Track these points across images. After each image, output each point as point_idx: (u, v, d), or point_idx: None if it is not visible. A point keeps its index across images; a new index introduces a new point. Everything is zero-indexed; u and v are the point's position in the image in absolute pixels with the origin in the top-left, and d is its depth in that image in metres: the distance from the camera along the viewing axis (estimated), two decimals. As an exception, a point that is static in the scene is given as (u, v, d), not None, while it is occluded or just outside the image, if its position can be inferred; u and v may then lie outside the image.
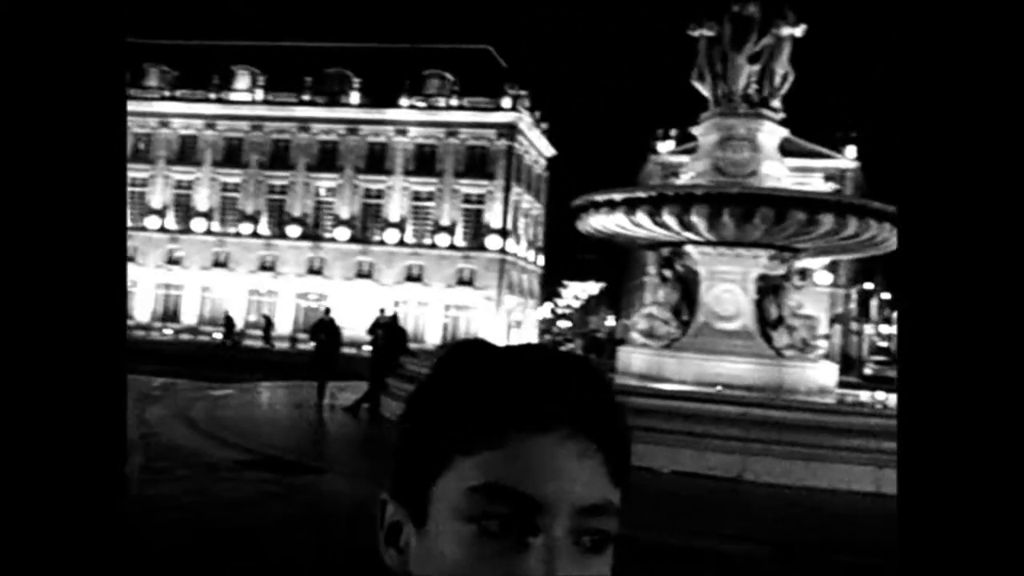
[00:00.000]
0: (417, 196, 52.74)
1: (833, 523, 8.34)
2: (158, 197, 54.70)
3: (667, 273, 15.12)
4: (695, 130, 15.47)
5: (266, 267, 53.58)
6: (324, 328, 16.40)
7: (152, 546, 6.03)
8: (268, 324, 45.08)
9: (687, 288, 14.84)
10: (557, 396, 0.63)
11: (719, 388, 12.43)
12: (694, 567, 6.51)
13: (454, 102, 52.32)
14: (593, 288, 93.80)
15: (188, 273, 53.71)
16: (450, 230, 52.15)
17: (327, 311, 17.23)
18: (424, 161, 52.65)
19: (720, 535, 7.49)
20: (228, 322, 41.15)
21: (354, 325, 40.95)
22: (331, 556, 5.95)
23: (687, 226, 13.32)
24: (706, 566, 6.54)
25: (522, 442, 0.61)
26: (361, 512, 7.83)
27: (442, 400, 0.66)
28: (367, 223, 52.99)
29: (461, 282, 51.57)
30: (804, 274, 14.54)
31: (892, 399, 15.98)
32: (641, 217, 13.56)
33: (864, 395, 16.25)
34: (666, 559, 6.58)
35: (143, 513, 6.97)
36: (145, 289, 53.82)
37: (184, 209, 54.63)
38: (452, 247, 52.01)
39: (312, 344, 17.33)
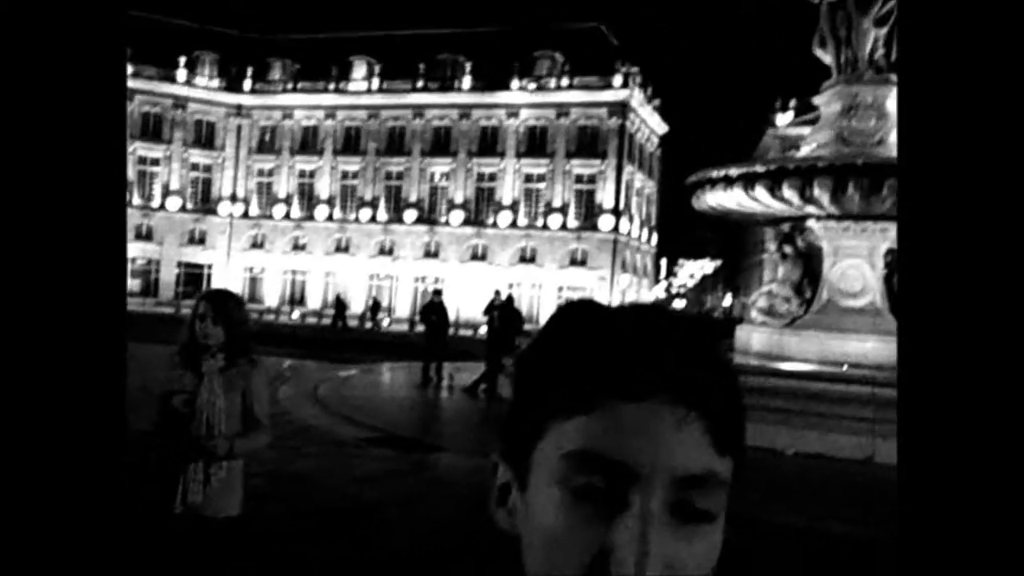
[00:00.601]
0: (529, 178, 52.92)
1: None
2: (283, 187, 57.10)
3: (787, 250, 14.62)
4: (817, 99, 14.85)
5: (384, 251, 55.11)
6: (434, 310, 16.77)
7: (291, 520, 6.38)
8: (375, 306, 46.27)
9: (809, 265, 14.32)
10: (655, 362, 0.60)
11: (845, 367, 11.98)
12: (813, 547, 6.33)
13: (564, 82, 52.10)
14: (708, 267, 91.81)
15: (312, 258, 55.91)
16: (562, 211, 52.10)
17: (437, 293, 17.57)
18: (535, 143, 52.74)
19: (844, 518, 7.26)
20: (339, 305, 42.77)
21: (470, 307, 41.66)
22: (450, 529, 6.13)
23: (809, 200, 12.84)
24: (827, 547, 6.35)
25: (617, 409, 0.59)
26: (478, 489, 8.02)
27: (542, 363, 0.64)
28: (480, 206, 53.61)
29: (574, 262, 51.51)
30: (937, 247, 13.75)
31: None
32: (760, 192, 13.16)
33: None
34: (786, 538, 6.43)
35: (280, 489, 7.36)
36: (273, 275, 56.45)
37: (308, 197, 56.82)
38: (564, 228, 51.98)
39: (423, 326, 17.73)
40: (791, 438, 9.73)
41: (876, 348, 12.71)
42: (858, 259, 13.46)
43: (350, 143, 56.33)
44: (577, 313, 0.66)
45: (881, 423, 9.82)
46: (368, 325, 43.55)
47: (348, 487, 7.56)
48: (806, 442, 9.80)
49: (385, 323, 48.14)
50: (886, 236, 13.37)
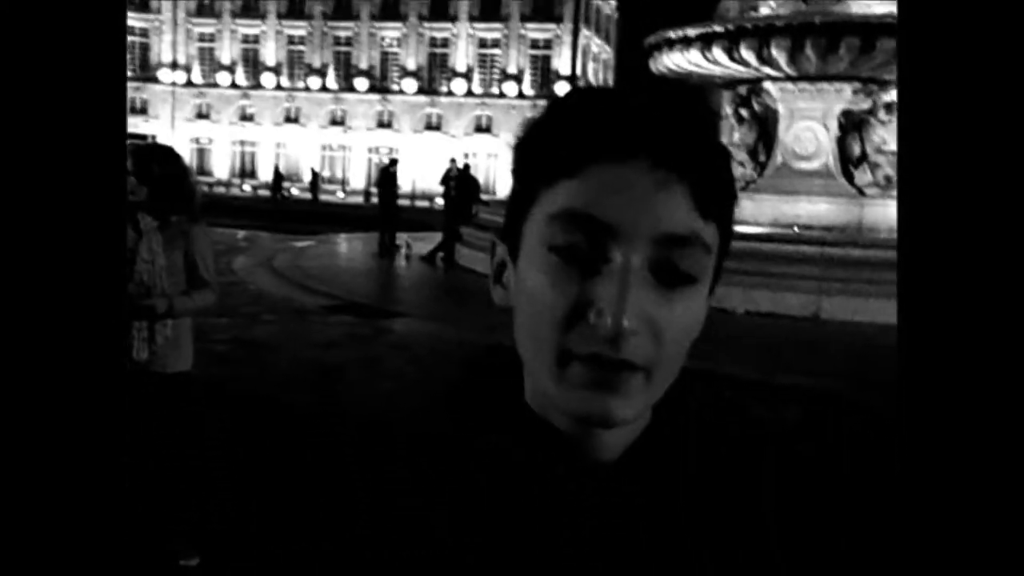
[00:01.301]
0: (483, 43, 51.29)
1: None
2: (226, 53, 54.61)
3: (744, 113, 14.58)
4: (777, -44, 14.44)
5: (336, 122, 53.66)
6: (387, 179, 16.67)
7: (252, 379, 6.47)
8: (315, 178, 44.75)
9: (764, 128, 14.34)
10: (638, 127, 0.61)
11: (795, 229, 12.22)
12: (773, 399, 6.65)
13: (518, -61, 49.78)
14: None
15: (261, 129, 54.26)
16: (518, 78, 50.88)
17: (392, 163, 17.37)
18: (489, 6, 50.78)
19: (797, 371, 7.59)
20: (277, 176, 42.11)
21: (426, 178, 41.16)
22: (411, 387, 6.30)
23: (766, 61, 12.71)
24: (786, 399, 6.67)
25: (600, 170, 0.60)
26: (437, 350, 8.15)
27: (535, 138, 0.66)
28: (433, 74, 52.08)
29: (531, 131, 50.79)
30: (890, 108, 13.82)
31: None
32: (717, 53, 12.99)
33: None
34: (744, 392, 6.73)
35: (238, 353, 7.43)
36: (221, 146, 54.81)
37: (253, 64, 54.54)
38: (521, 96, 50.90)
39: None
40: (743, 298, 10.01)
41: (827, 209, 12.96)
42: (813, 121, 13.50)
43: (295, 6, 53.63)
44: (576, 92, 0.66)
45: (827, 281, 10.15)
46: (308, 196, 42.47)
47: (309, 351, 7.67)
48: (757, 301, 10.10)
49: (339, 195, 47.46)
50: (841, 97, 13.37)
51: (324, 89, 53.51)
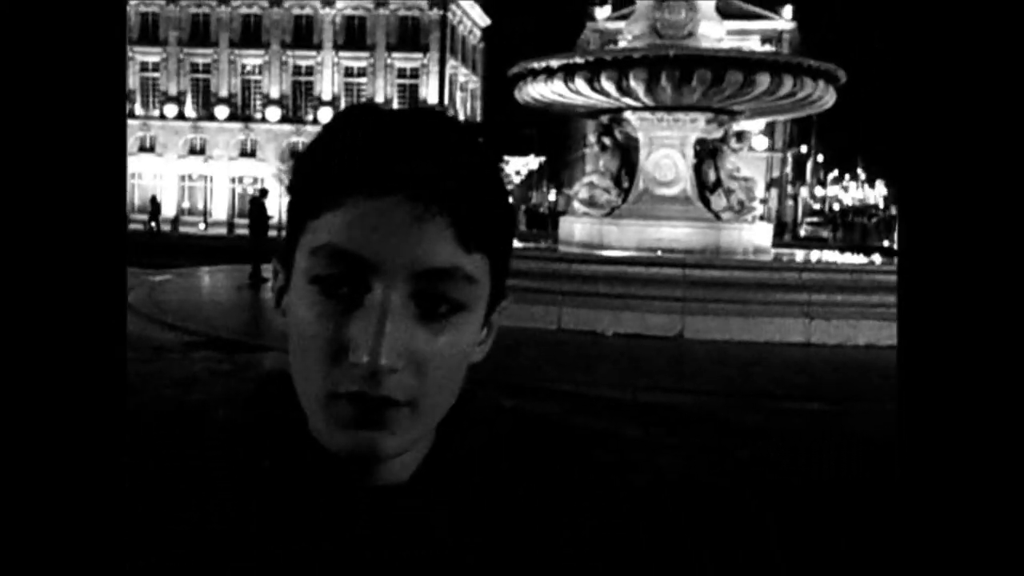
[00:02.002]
0: (349, 72, 50.92)
1: (770, 372, 8.76)
2: (73, 80, 51.78)
3: (606, 141, 15.06)
4: (632, -9, 15.09)
5: (196, 151, 51.75)
6: (257, 209, 16.44)
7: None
8: (155, 207, 41.71)
9: (627, 156, 14.85)
10: (398, 159, 0.60)
11: (659, 252, 12.69)
12: (645, 418, 6.81)
13: (382, -31, 49.88)
14: (533, 163, 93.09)
15: (114, 160, 51.59)
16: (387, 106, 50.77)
17: (262, 192, 17.07)
18: (354, 34, 50.56)
19: (666, 389, 7.83)
20: (153, 207, 39.99)
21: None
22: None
23: (625, 91, 13.19)
24: (658, 417, 6.85)
25: (358, 204, 0.60)
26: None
27: (306, 164, 0.65)
28: (299, 102, 51.19)
29: (400, 160, 50.67)
30: (741, 137, 14.62)
31: (825, 256, 16.53)
32: (579, 84, 13.37)
33: (799, 254, 16.78)
34: (615, 413, 6.87)
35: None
36: (69, 178, 51.71)
37: (102, 92, 51.90)
38: (389, 124, 50.78)
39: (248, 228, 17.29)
40: (610, 321, 10.28)
41: (687, 233, 13.52)
42: (671, 149, 14.09)
43: (148, 31, 51.58)
44: (347, 115, 0.65)
45: (689, 302, 10.57)
46: (144, 228, 39.70)
47: (168, 390, 7.28)
48: (624, 323, 10.38)
49: (201, 227, 45.64)
50: (695, 126, 14.03)
51: (181, 117, 51.54)
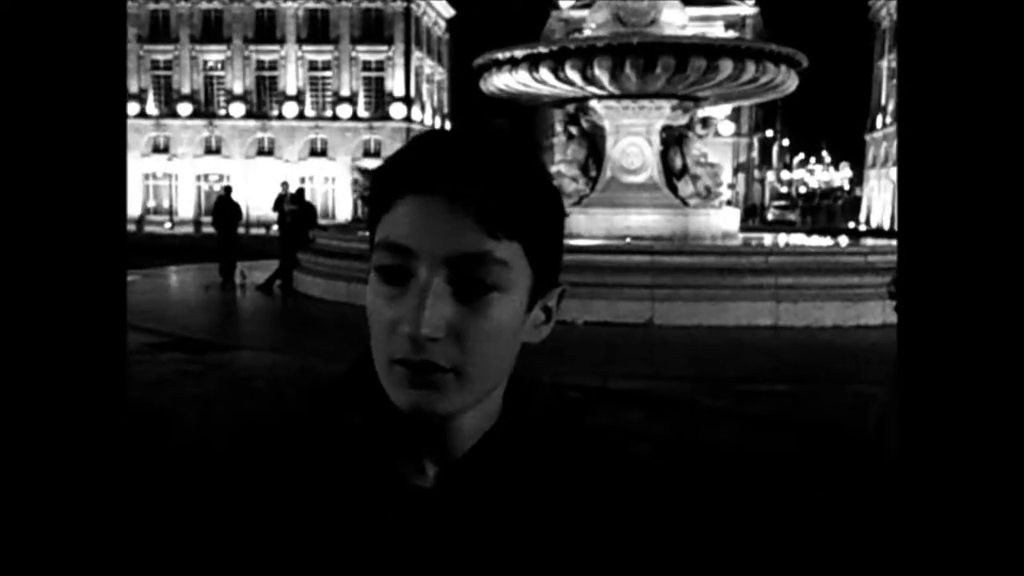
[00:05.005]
0: (314, 66, 50.45)
1: (740, 356, 8.85)
2: (30, 80, 50.79)
3: (573, 130, 15.09)
4: (594, -21, 15.09)
5: (159, 149, 51.03)
6: (222, 207, 16.13)
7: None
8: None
9: (594, 144, 14.89)
10: (436, 165, 0.73)
11: (628, 239, 12.74)
12: (619, 406, 6.84)
13: (344, -39, 49.40)
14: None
15: (75, 160, 50.75)
16: (351, 100, 50.37)
17: (227, 190, 16.78)
18: (317, 28, 50.08)
19: (636, 375, 7.88)
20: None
21: (260, 204, 39.77)
22: (246, 423, 6.03)
23: (590, 80, 13.22)
24: (625, 403, 6.89)
25: (406, 205, 0.73)
26: (277, 381, 7.80)
27: (374, 177, 0.78)
28: (263, 97, 50.64)
29: (368, 154, 50.36)
30: (706, 123, 14.71)
31: (792, 239, 16.70)
32: (544, 73, 13.37)
33: (767, 238, 16.93)
34: (588, 400, 6.90)
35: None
36: (30, 180, 50.79)
37: (61, 91, 51.01)
38: (355, 118, 50.40)
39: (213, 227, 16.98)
40: (580, 309, 10.30)
41: (655, 220, 13.60)
42: (637, 136, 14.15)
43: (107, 29, 50.73)
44: (417, 136, 0.78)
45: (658, 288, 10.64)
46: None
47: (135, 392, 7.18)
48: (595, 311, 10.42)
49: (167, 226, 45.09)
50: (661, 114, 14.10)
51: (143, 115, 50.79)
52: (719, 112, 18.95)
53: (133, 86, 50.59)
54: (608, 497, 0.80)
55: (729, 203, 15.37)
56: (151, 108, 50.85)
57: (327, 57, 50.27)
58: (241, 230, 16.27)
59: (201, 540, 0.77)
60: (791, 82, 13.87)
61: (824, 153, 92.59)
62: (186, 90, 50.69)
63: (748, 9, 53.59)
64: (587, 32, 15.18)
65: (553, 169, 15.36)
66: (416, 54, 51.51)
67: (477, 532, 0.76)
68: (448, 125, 60.95)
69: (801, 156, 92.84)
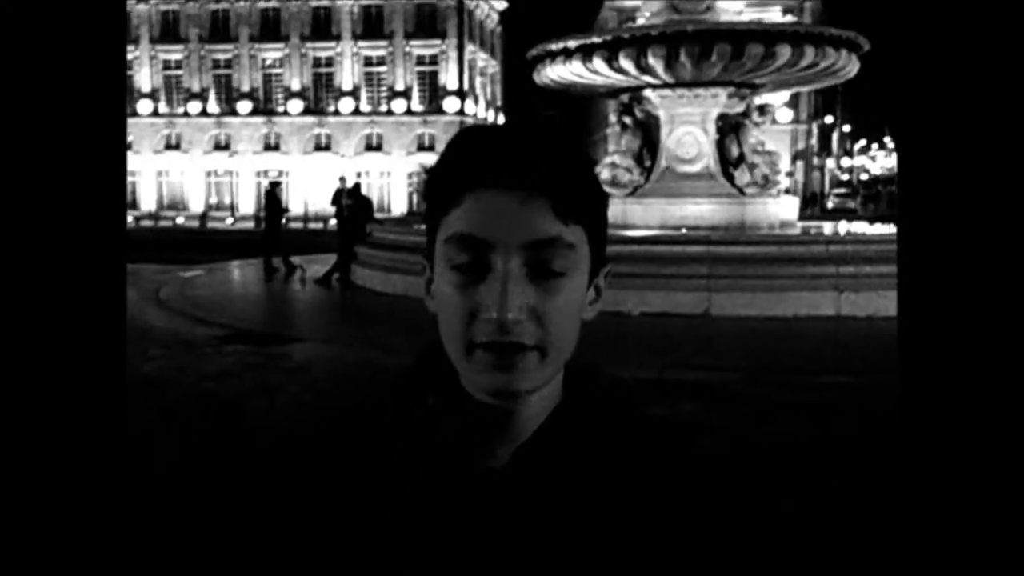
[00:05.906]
0: (368, 61, 50.95)
1: (799, 347, 8.70)
2: (97, 81, 52.33)
3: (627, 120, 14.97)
4: (648, -32, 14.93)
5: (221, 146, 52.18)
6: (270, 201, 16.60)
7: (140, 420, 6.20)
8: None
9: (648, 134, 14.76)
10: (501, 158, 0.76)
11: (684, 230, 12.62)
12: (676, 398, 6.79)
13: (397, -43, 49.73)
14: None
15: (140, 158, 52.20)
16: (406, 95, 50.76)
17: (273, 185, 17.27)
18: (372, 23, 50.54)
19: (692, 367, 7.81)
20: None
21: (318, 199, 40.44)
22: (310, 415, 6.16)
23: (644, 69, 13.10)
24: (682, 395, 6.83)
25: (475, 198, 0.76)
26: (336, 373, 7.92)
27: (434, 174, 0.81)
28: (320, 93, 51.36)
29: (422, 148, 50.70)
30: (763, 110, 14.46)
31: (853, 227, 16.33)
32: (598, 63, 13.29)
33: (826, 226, 16.58)
34: (642, 393, 6.87)
35: (129, 394, 7.09)
36: (98, 179, 52.38)
37: (128, 91, 52.40)
38: (409, 112, 50.78)
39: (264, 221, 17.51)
40: (637, 300, 10.24)
41: (711, 209, 13.43)
42: (692, 126, 13.98)
43: (169, 29, 51.98)
44: (461, 135, 0.81)
45: (715, 279, 10.51)
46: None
47: (203, 384, 7.40)
48: (650, 302, 10.35)
49: (228, 221, 46.14)
50: (717, 102, 13.90)
51: (205, 114, 51.97)
52: (777, 99, 18.59)
53: (196, 85, 51.79)
54: (672, 478, 0.83)
55: (788, 191, 15.08)
56: (212, 106, 51.99)
57: (381, 52, 50.73)
58: (298, 224, 16.66)
59: (289, 523, 0.82)
60: (852, 67, 13.54)
61: (886, 139, 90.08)
62: (245, 88, 51.70)
63: (807, -7, 52.32)
64: (640, 21, 15.03)
65: (607, 160, 15.28)
66: (469, 48, 51.64)
67: (547, 510, 0.79)
68: (501, 118, 60.98)
69: (862, 143, 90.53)
